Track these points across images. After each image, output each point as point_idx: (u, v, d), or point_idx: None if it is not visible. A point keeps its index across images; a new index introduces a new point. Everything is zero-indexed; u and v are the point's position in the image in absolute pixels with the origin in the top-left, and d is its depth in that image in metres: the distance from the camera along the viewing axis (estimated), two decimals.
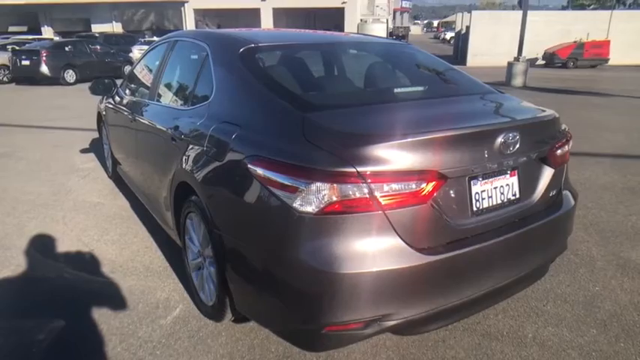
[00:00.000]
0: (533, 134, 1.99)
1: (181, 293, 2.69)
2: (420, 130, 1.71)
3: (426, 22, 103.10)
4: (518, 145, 1.86)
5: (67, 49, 15.46)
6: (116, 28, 33.60)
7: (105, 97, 4.49)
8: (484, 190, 1.87)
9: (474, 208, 1.84)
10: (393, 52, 3.07)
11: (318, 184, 1.58)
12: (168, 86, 3.04)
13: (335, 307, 1.65)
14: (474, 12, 20.22)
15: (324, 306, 1.66)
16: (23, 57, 14.54)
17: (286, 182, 1.65)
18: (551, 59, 20.81)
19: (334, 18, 34.59)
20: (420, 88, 2.53)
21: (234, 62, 2.32)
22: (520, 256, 2.01)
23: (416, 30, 69.20)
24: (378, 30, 32.93)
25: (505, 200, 1.95)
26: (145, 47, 20.25)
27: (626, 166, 5.28)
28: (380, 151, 1.60)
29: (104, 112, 4.43)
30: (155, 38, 20.89)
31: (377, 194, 1.60)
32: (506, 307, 2.52)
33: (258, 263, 1.86)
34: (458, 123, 1.83)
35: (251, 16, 34.34)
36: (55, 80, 14.50)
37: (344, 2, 32.70)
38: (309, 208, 1.61)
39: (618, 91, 12.18)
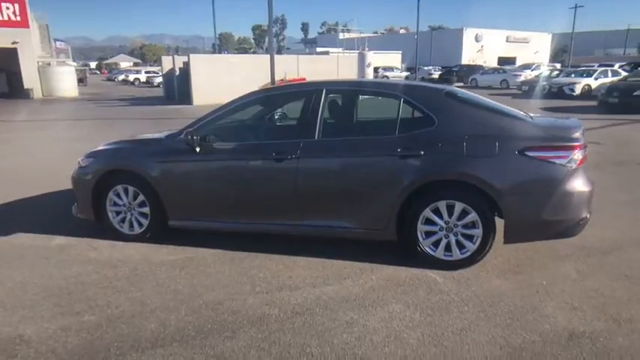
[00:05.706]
0: None
1: (418, 269, 3.72)
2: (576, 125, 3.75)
3: (81, 63, 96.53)
4: None
5: None
6: None
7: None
8: None
9: None
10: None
11: (575, 151, 3.46)
12: (347, 125, 4.02)
13: (586, 207, 3.56)
14: (192, 55, 22.06)
15: (583, 208, 3.55)
16: None
17: (561, 154, 3.43)
18: None
19: (2, 61, 29.25)
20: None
21: (445, 100, 3.78)
22: None
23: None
24: (68, 73, 30.23)
25: None
26: None
27: None
28: (581, 134, 3.58)
29: (156, 172, 4.14)
30: None
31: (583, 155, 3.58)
32: None
33: (543, 201, 3.45)
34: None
35: None
36: None
37: (15, 42, 28.28)
38: (573, 164, 3.46)
39: None
